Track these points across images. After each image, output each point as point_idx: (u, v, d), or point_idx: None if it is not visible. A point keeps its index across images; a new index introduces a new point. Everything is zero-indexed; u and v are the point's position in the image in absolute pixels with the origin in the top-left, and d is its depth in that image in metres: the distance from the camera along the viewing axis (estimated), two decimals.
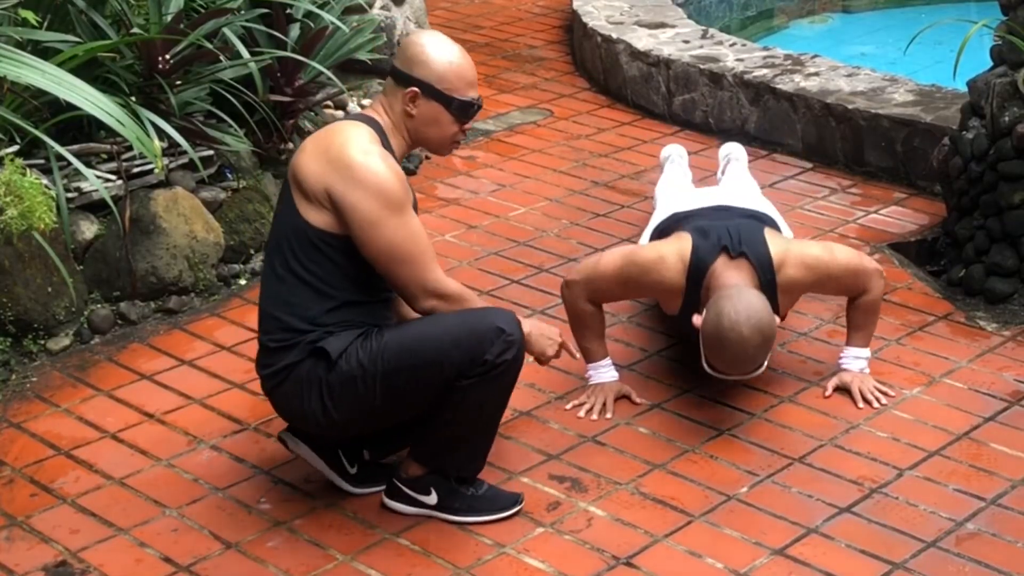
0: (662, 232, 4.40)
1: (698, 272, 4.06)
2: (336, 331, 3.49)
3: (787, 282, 4.11)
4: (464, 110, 3.56)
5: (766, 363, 3.99)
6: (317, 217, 3.48)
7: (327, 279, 3.50)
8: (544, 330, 3.72)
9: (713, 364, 3.96)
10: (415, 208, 3.64)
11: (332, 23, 5.30)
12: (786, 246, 4.16)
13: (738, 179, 5.21)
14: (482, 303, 3.65)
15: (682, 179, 5.31)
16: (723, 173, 5.38)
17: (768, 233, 4.18)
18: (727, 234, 4.09)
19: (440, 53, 3.55)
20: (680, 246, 4.12)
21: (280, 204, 3.63)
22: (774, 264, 4.08)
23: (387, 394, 3.46)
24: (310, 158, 3.50)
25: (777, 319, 3.96)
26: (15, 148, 4.36)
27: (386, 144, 3.54)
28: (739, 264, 4.05)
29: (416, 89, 3.53)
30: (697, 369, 4.35)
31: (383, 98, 3.61)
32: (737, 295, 3.89)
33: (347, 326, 3.50)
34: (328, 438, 3.71)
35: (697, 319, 3.95)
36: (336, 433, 3.66)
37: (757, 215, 4.39)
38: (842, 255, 4.21)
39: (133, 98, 4.64)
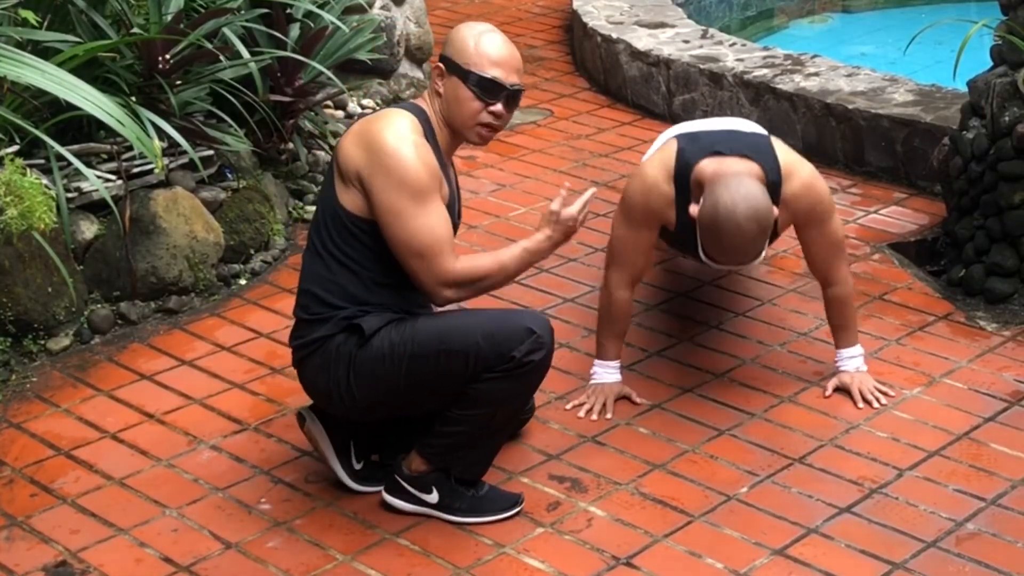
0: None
1: (683, 173, 3.93)
2: (372, 311, 3.52)
3: (789, 195, 3.99)
4: (483, 86, 3.51)
5: (764, 253, 3.88)
6: (350, 200, 3.50)
7: (362, 261, 3.52)
8: (560, 224, 3.59)
9: (709, 253, 3.88)
10: (458, 196, 3.67)
11: (332, 23, 5.30)
12: (797, 158, 4.03)
13: None
14: (495, 261, 3.54)
15: None
16: None
17: (775, 142, 4.06)
18: (724, 141, 3.95)
19: (471, 31, 3.56)
20: (663, 155, 4.01)
21: (324, 183, 3.66)
22: (781, 168, 3.96)
23: (411, 378, 3.47)
24: (351, 140, 3.53)
25: (775, 210, 3.84)
26: (15, 148, 4.36)
27: (430, 134, 3.54)
28: (739, 160, 3.89)
29: (441, 64, 3.55)
30: (696, 369, 4.36)
31: (430, 87, 3.63)
32: (736, 182, 3.78)
33: (384, 308, 3.53)
34: (346, 422, 3.70)
35: (694, 208, 3.86)
36: (355, 415, 3.65)
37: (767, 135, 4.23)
38: (837, 224, 4.14)
39: (133, 98, 4.64)
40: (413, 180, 3.43)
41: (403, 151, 3.44)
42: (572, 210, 3.59)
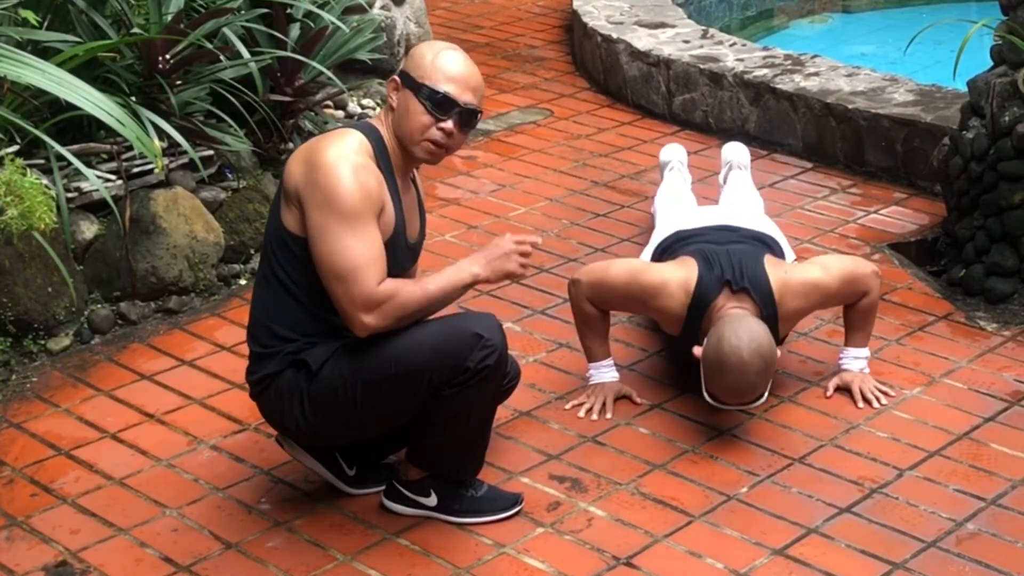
0: (664, 250, 4.42)
1: (700, 306, 4.08)
2: (319, 342, 3.46)
3: (788, 312, 4.15)
4: (434, 101, 3.41)
5: (767, 393, 3.98)
6: (291, 219, 3.44)
7: (303, 283, 3.45)
8: (494, 253, 3.50)
9: (714, 392, 3.97)
10: (422, 217, 3.63)
11: (332, 23, 5.30)
12: (784, 276, 4.16)
13: (741, 192, 5.18)
14: (422, 291, 3.41)
15: (682, 186, 5.28)
16: (725, 181, 5.36)
17: (767, 262, 4.18)
18: (730, 265, 4.10)
19: (431, 47, 3.51)
20: (685, 275, 4.12)
21: (272, 204, 3.61)
22: (775, 297, 4.09)
23: (368, 404, 3.44)
24: (296, 158, 3.47)
25: (778, 352, 3.98)
26: (15, 148, 4.36)
27: (381, 153, 3.46)
28: (740, 298, 4.07)
29: (396, 78, 3.49)
30: (696, 369, 4.35)
31: (386, 102, 3.57)
32: (738, 321, 3.92)
33: (330, 336, 3.47)
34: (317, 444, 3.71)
35: (697, 350, 3.97)
36: (320, 443, 3.66)
37: (760, 237, 4.42)
38: (837, 268, 4.22)
39: (133, 98, 4.64)
40: (343, 201, 3.32)
41: (339, 170, 3.34)
42: (524, 247, 3.52)
